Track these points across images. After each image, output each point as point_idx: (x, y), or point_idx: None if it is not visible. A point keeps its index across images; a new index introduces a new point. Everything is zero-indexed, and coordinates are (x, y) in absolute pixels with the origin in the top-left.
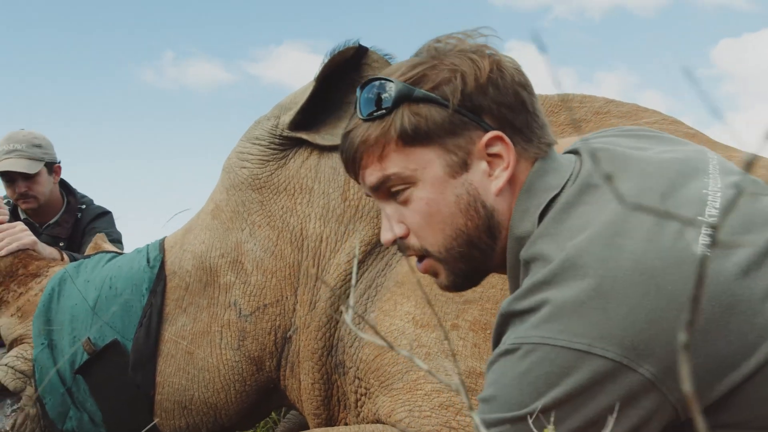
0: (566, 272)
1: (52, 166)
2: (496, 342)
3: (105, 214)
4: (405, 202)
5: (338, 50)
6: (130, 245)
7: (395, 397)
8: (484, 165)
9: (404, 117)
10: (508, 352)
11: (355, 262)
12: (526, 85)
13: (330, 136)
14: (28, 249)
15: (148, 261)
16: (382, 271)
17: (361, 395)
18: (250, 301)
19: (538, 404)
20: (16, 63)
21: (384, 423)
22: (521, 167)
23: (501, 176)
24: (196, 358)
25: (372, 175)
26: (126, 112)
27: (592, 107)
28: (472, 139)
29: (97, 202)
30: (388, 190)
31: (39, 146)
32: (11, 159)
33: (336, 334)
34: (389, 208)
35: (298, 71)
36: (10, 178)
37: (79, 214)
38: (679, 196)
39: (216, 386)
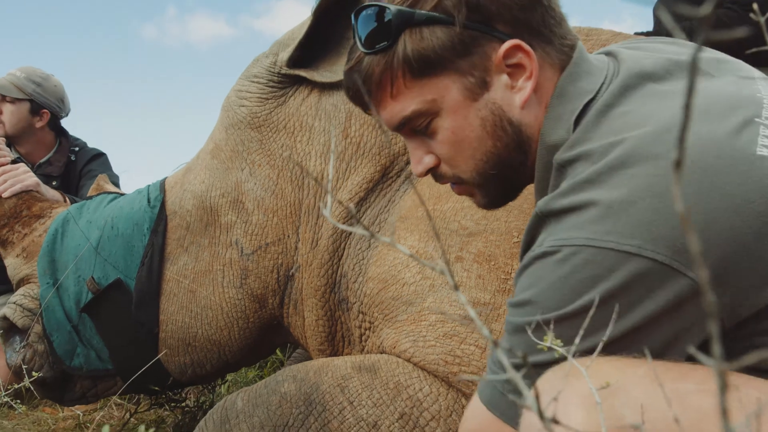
0: (614, 171)
1: (39, 109)
2: (527, 245)
3: (100, 156)
4: (431, 134)
5: None
6: None
7: (399, 329)
8: (505, 78)
9: (407, 46)
10: (546, 254)
11: (332, 159)
12: None
13: (329, 73)
14: (31, 190)
15: (148, 201)
16: (386, 207)
17: (366, 329)
18: (251, 240)
19: (578, 305)
20: (19, 20)
21: (388, 354)
22: (546, 74)
23: (525, 87)
24: (198, 296)
25: (391, 116)
26: (129, 69)
27: (599, 40)
28: (487, 54)
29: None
30: (411, 128)
31: (37, 84)
32: (2, 78)
33: (339, 271)
34: (416, 142)
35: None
36: None
37: (73, 156)
38: (737, 95)
39: (219, 324)
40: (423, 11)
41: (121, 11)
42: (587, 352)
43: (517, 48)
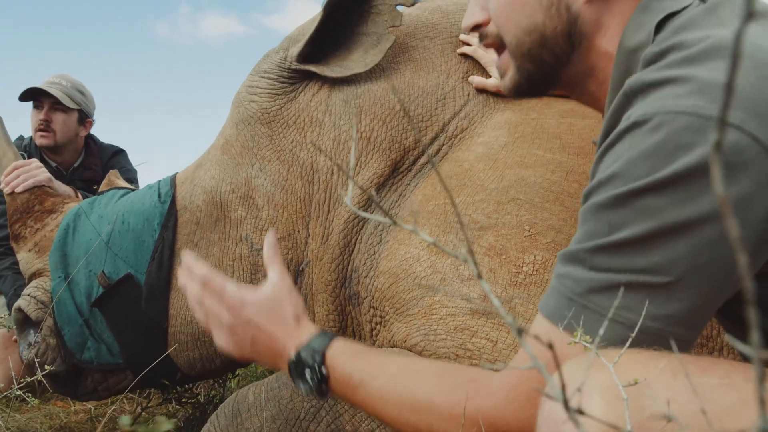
0: (714, 53)
1: (85, 119)
2: (610, 130)
3: (119, 152)
4: None
5: None
6: None
7: (410, 323)
8: None
9: None
10: (636, 125)
11: (354, 147)
12: None
13: (340, 68)
14: (43, 185)
15: (159, 196)
16: (396, 202)
17: (377, 324)
18: (261, 236)
19: (671, 171)
20: (32, 19)
21: (400, 348)
22: None
23: None
24: None
25: None
26: (142, 65)
27: None
28: None
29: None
30: None
31: (82, 93)
32: (51, 88)
33: (350, 266)
34: None
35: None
36: (40, 103)
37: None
38: None
39: None
40: None
41: (134, 9)
42: (681, 221)
43: None
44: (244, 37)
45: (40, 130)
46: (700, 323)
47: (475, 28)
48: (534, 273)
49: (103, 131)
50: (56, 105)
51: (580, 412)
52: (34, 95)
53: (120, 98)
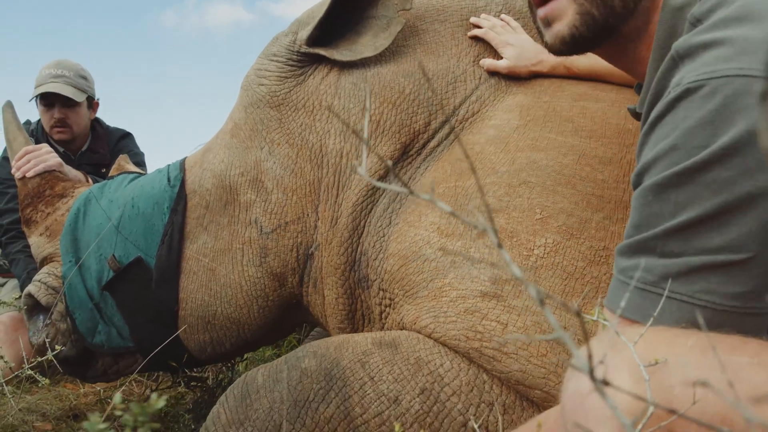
0: (761, 10)
1: (92, 101)
2: (656, 98)
3: (127, 135)
4: None
5: None
6: None
7: (420, 305)
8: None
9: None
10: (689, 91)
11: (367, 117)
12: None
13: (349, 52)
14: (54, 170)
15: (168, 180)
16: (408, 183)
17: (386, 306)
18: (271, 219)
19: (731, 138)
20: (38, 7)
21: (409, 330)
22: None
23: None
24: (218, 274)
25: None
26: (147, 57)
27: None
28: None
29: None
30: None
31: (85, 78)
32: (58, 83)
33: (359, 249)
34: None
35: None
36: (50, 102)
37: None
38: None
39: (239, 302)
40: None
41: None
42: (753, 192)
43: None
44: (250, 25)
45: (57, 126)
46: None
47: None
48: (545, 256)
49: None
50: (67, 100)
51: (606, 383)
52: (46, 97)
53: (127, 88)
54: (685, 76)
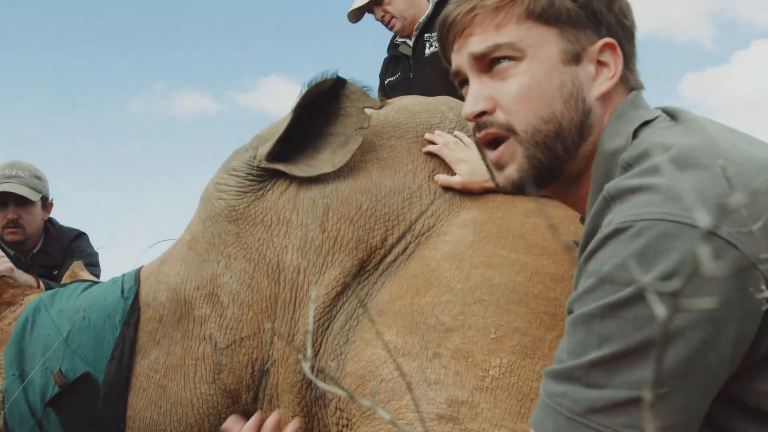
0: (692, 158)
1: (46, 202)
2: (591, 234)
3: (81, 235)
4: (503, 77)
5: (316, 82)
6: (119, 271)
7: (377, 427)
8: (591, 68)
9: None
10: (618, 231)
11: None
12: (635, 24)
13: (308, 168)
14: (4, 276)
15: (122, 292)
16: (363, 300)
17: (343, 426)
18: (226, 334)
19: (656, 276)
20: (6, 91)
21: None
22: (617, 90)
23: (605, 83)
24: (168, 392)
25: (481, 42)
26: (114, 143)
27: None
28: (589, 39)
29: (86, 227)
30: (488, 62)
31: (39, 178)
32: (12, 183)
33: (316, 366)
34: (479, 82)
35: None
36: (3, 201)
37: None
38: None
39: (189, 420)
40: None
41: (109, 85)
42: (672, 329)
43: (612, 47)
44: (217, 115)
45: (9, 227)
46: (695, 429)
47: (479, 116)
48: (500, 377)
49: (73, 207)
50: (21, 200)
51: None
52: None
53: (90, 175)
54: (615, 216)
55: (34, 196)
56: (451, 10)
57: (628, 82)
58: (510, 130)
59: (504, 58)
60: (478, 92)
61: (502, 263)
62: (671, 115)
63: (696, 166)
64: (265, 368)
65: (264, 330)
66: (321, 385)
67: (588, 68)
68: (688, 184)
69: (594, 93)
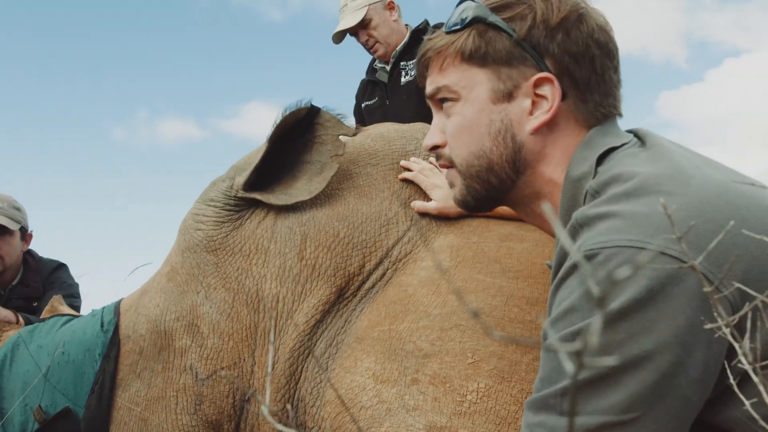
0: (646, 188)
1: (25, 233)
2: (561, 261)
3: (61, 266)
4: (448, 114)
5: (290, 111)
6: (101, 300)
7: None
8: (527, 103)
9: (471, 37)
10: (585, 258)
11: (271, 351)
12: (603, 45)
13: (285, 196)
14: None
15: (102, 325)
16: (342, 328)
17: None
18: (206, 365)
19: (625, 302)
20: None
21: None
22: (567, 123)
23: (539, 117)
24: (150, 424)
25: (430, 84)
26: (96, 170)
27: None
28: (525, 75)
29: (68, 256)
30: (438, 100)
31: (18, 209)
32: None
33: (296, 395)
34: (438, 118)
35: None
36: None
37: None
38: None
39: None
40: (496, 16)
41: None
42: (640, 354)
43: (548, 81)
44: (200, 141)
45: None
46: None
47: (434, 148)
48: (478, 401)
49: (53, 233)
50: (0, 229)
51: None
52: None
53: (72, 205)
54: (583, 243)
55: (13, 226)
56: (420, 48)
57: (580, 113)
58: (452, 163)
59: (445, 98)
60: (437, 126)
61: (478, 287)
62: (641, 138)
63: (659, 193)
64: (246, 398)
65: (244, 359)
66: (279, 427)
67: (523, 103)
68: (651, 210)
69: (527, 128)
